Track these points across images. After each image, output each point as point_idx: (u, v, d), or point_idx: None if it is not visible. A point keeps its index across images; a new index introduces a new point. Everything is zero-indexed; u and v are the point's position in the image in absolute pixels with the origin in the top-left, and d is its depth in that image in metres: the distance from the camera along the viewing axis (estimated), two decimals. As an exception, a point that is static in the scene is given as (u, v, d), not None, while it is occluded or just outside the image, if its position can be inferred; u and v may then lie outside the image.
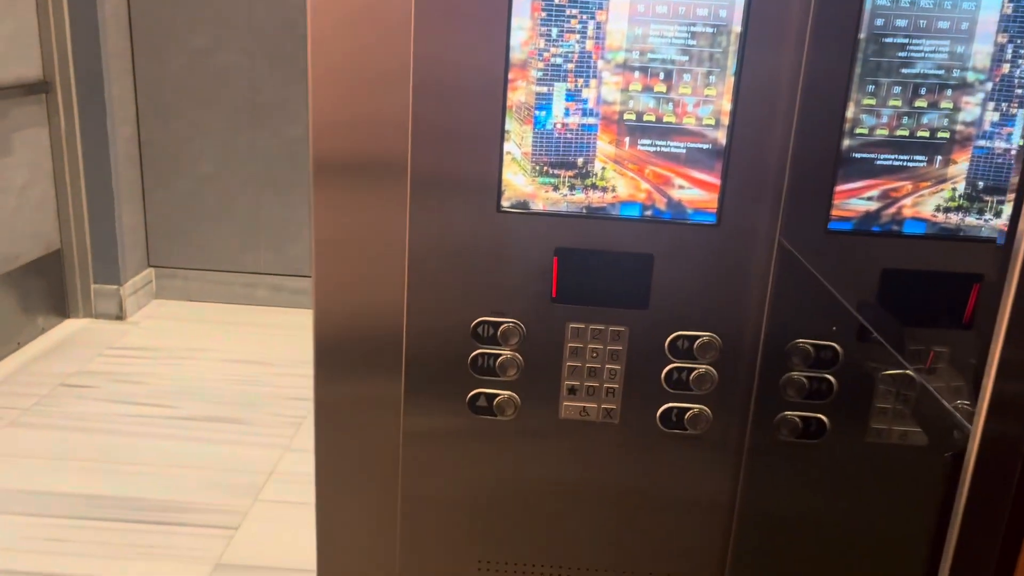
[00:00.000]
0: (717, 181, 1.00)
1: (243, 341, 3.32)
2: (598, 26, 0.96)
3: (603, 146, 0.98)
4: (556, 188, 0.99)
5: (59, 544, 2.04)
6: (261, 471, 2.40)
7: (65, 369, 2.97)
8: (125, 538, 2.08)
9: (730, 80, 0.97)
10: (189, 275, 3.56)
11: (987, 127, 0.94)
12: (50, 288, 3.22)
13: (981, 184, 0.94)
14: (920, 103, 0.95)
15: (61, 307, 3.29)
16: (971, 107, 0.94)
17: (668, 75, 0.97)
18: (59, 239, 3.21)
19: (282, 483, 2.37)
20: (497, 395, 1.07)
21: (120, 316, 3.36)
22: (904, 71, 0.94)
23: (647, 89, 0.97)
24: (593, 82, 0.97)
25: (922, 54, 0.94)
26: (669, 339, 1.04)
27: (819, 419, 1.05)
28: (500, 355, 1.05)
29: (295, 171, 3.40)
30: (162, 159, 3.42)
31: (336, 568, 1.19)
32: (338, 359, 1.08)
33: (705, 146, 0.99)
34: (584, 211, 1.00)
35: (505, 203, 1.01)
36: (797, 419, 1.06)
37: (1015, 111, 0.92)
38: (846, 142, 0.96)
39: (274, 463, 2.45)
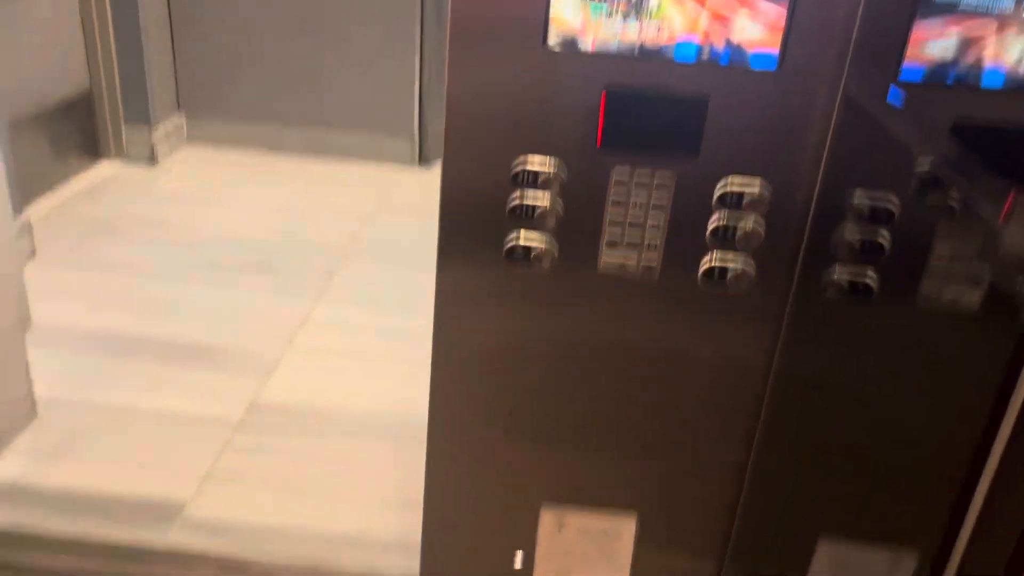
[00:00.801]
0: (782, 20, 0.91)
1: (274, 190, 3.30)
2: None
3: (660, -23, 0.90)
4: (608, 16, 0.91)
5: (99, 378, 2.10)
6: (294, 319, 2.43)
7: (99, 212, 2.98)
8: (162, 375, 2.13)
9: (806, -96, 0.87)
10: (219, 121, 3.51)
11: (1090, -35, 0.85)
12: (81, 129, 3.19)
13: (1076, 30, 0.86)
14: (1018, -66, 0.85)
15: (93, 149, 3.27)
16: (1075, -59, 0.84)
17: None
18: (88, 79, 3.15)
19: (315, 331, 2.40)
20: (534, 245, 1.03)
21: (151, 160, 3.34)
22: None
23: (713, -88, 0.88)
24: (653, -98, 0.88)
25: None
26: (718, 190, 0.99)
27: (868, 280, 1.01)
28: (540, 203, 1.01)
29: (327, 17, 3.27)
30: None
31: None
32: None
33: (772, -20, 0.90)
34: (636, 50, 0.93)
35: (551, 40, 0.94)
36: (845, 279, 1.02)
37: None
38: (929, -21, 0.88)
39: (307, 312, 2.47)
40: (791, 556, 1.23)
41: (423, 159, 3.56)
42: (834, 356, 1.09)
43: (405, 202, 3.28)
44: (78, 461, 1.82)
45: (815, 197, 0.99)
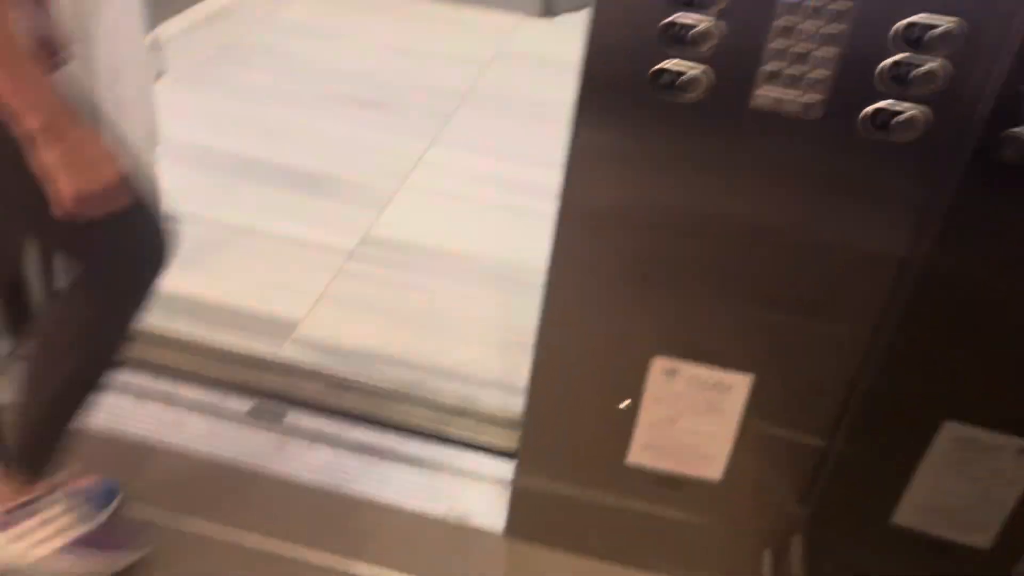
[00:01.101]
0: None
1: (396, 29, 3.24)
2: None
3: None
4: None
5: (223, 197, 2.16)
6: (409, 158, 2.42)
7: (225, 38, 3.00)
8: (281, 200, 2.17)
9: None
10: (345, -45, 3.43)
11: None
12: (210, -47, 3.16)
13: None
14: None
15: (220, -26, 3.25)
16: None
17: None
18: (218, -100, 3.10)
19: (428, 172, 2.39)
20: (685, 71, 0.96)
21: (277, -10, 3.31)
22: None
23: None
24: None
25: None
26: (903, 22, 0.88)
27: (1061, 140, 0.90)
28: (697, 23, 0.93)
29: None
30: None
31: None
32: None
33: None
34: None
35: None
36: (1033, 136, 0.91)
37: None
38: None
39: (421, 152, 2.46)
40: (910, 436, 1.18)
41: (548, 10, 3.41)
42: (998, 231, 0.99)
43: (526, 51, 3.17)
44: (202, 273, 1.88)
45: (1017, 39, 0.87)
